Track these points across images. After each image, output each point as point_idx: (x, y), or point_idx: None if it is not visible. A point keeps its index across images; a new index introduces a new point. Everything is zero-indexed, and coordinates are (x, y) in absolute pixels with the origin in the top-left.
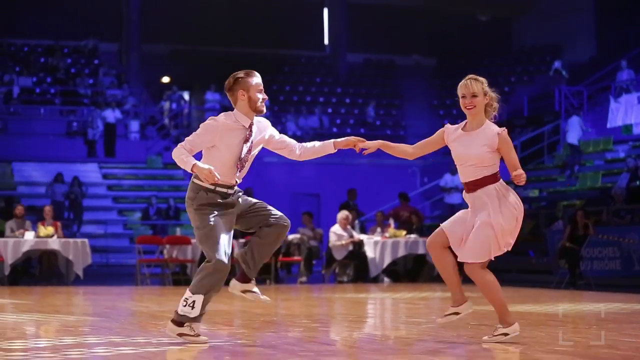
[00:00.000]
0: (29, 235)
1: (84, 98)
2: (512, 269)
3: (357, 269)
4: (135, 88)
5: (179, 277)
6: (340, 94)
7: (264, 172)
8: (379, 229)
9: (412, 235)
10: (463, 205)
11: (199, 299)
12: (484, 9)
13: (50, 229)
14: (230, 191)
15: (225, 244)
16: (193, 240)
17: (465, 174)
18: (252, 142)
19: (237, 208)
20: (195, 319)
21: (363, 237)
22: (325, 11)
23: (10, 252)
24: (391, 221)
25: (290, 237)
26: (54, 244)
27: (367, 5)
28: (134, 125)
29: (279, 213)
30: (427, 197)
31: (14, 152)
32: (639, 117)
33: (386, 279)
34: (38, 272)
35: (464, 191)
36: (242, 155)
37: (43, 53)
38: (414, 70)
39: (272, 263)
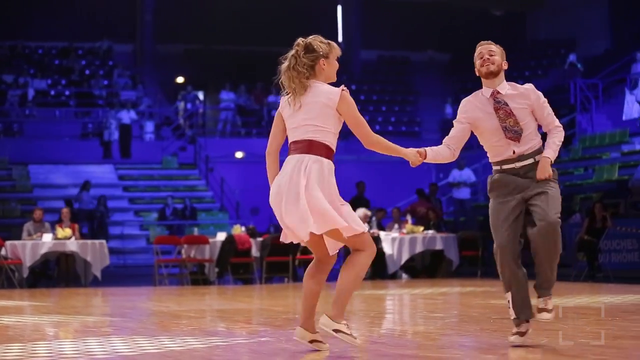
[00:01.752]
0: (47, 237)
1: (98, 99)
2: (529, 262)
3: (374, 265)
4: (149, 88)
5: (197, 277)
6: (355, 90)
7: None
8: (396, 226)
9: (430, 231)
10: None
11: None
12: (497, 3)
13: (68, 231)
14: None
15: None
16: (211, 240)
17: None
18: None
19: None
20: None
21: (381, 233)
22: (339, 8)
23: (29, 254)
24: (408, 217)
25: None
26: (72, 245)
27: (380, 1)
28: (149, 126)
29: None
30: (442, 193)
31: (30, 155)
32: None
33: (404, 275)
34: (56, 274)
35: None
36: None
37: (57, 55)
38: (428, 66)
39: (289, 261)
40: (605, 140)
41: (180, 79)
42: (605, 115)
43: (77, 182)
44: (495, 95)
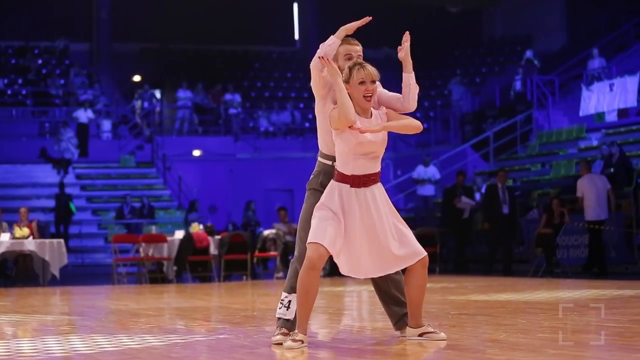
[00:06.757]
0: (5, 236)
1: (55, 99)
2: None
3: (332, 263)
4: (106, 87)
5: (156, 275)
6: (311, 88)
7: (238, 168)
8: None
9: None
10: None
11: None
12: (453, 1)
13: (25, 230)
14: None
15: None
16: (169, 238)
17: (369, 166)
18: None
19: None
20: None
21: None
22: (295, 6)
23: None
24: None
25: (266, 232)
26: (30, 245)
27: None
28: (106, 125)
29: None
30: (401, 190)
31: None
32: (611, 105)
33: None
34: (14, 273)
35: (349, 186)
36: None
37: (14, 54)
38: (384, 63)
39: (248, 259)
40: (562, 137)
41: (137, 78)
42: (562, 112)
43: (34, 181)
44: None
